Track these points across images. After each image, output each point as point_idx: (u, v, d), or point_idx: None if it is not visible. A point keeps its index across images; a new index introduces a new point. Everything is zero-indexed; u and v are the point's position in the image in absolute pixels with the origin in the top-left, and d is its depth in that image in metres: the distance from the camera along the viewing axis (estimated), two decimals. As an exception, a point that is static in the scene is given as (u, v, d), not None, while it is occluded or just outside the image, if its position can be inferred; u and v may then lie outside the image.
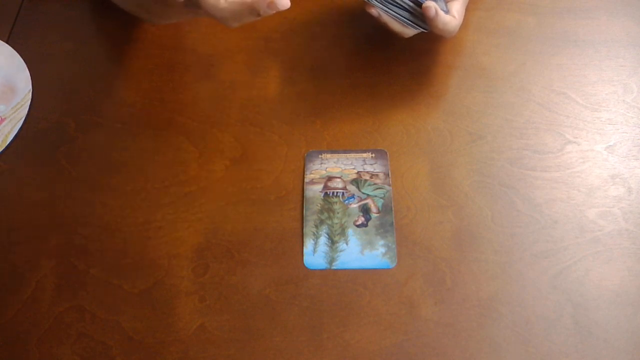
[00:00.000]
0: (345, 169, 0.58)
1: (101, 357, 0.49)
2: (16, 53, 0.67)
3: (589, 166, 0.57)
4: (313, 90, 0.63)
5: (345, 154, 0.59)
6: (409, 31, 0.59)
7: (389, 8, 0.56)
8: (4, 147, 0.60)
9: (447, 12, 0.58)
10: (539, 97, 0.62)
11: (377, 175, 0.57)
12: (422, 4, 0.55)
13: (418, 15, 0.57)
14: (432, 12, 0.54)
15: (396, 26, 0.58)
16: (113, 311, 0.51)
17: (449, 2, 0.59)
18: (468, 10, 0.66)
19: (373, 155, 0.58)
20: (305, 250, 0.53)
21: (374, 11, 0.57)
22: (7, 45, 0.67)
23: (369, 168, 0.58)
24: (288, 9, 0.52)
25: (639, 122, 0.60)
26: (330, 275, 0.52)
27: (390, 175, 0.57)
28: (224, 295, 0.52)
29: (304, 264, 0.53)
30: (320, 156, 0.59)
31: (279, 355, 0.49)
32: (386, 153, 0.59)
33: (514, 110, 0.61)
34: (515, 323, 0.49)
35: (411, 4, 0.56)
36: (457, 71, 0.64)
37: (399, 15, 0.56)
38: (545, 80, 0.63)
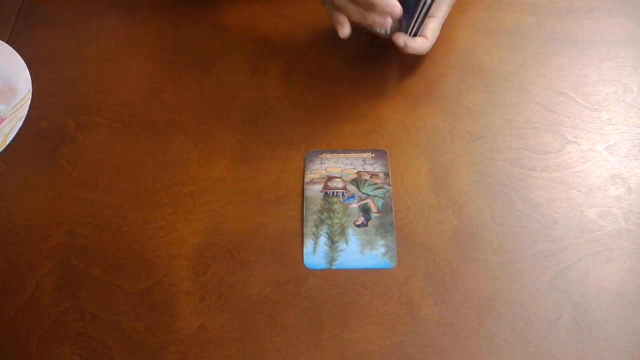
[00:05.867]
0: (345, 169, 0.58)
1: (101, 357, 0.49)
2: (16, 53, 0.67)
3: (589, 166, 0.57)
4: (313, 90, 0.63)
5: (345, 154, 0.59)
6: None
7: None
8: (4, 147, 0.60)
9: (419, 32, 0.59)
10: (539, 97, 0.62)
11: (377, 175, 0.57)
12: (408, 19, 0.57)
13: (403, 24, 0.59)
14: (401, 44, 0.58)
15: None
16: (113, 311, 0.51)
17: (427, 18, 0.59)
18: (468, 10, 0.66)
19: (373, 155, 0.59)
20: (305, 250, 0.53)
21: None
22: (7, 45, 0.67)
23: (369, 168, 0.58)
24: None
25: (639, 122, 0.60)
26: (330, 275, 0.52)
27: (390, 175, 0.57)
28: (224, 295, 0.51)
29: (304, 264, 0.53)
30: (320, 156, 0.59)
31: (279, 355, 0.49)
32: (386, 153, 0.59)
33: (514, 110, 0.61)
34: (515, 323, 0.49)
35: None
36: (457, 71, 0.64)
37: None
38: (545, 80, 0.63)
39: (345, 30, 0.57)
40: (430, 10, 0.59)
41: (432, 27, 0.60)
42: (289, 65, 0.65)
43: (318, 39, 0.67)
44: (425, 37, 0.59)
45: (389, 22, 0.55)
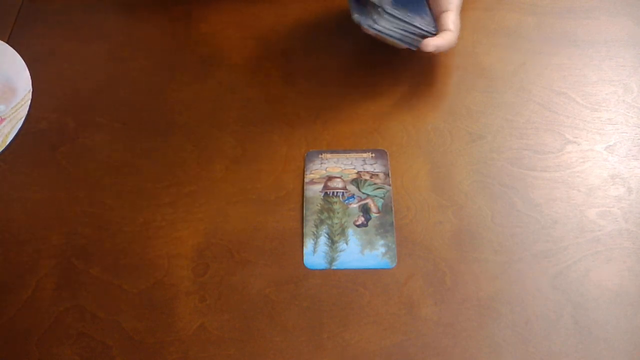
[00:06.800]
0: (345, 169, 0.58)
1: (101, 357, 0.49)
2: (16, 53, 0.67)
3: (589, 166, 0.57)
4: (313, 90, 0.63)
5: (345, 154, 0.59)
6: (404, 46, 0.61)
7: (383, 33, 0.58)
8: (4, 147, 0.60)
9: (435, 29, 0.59)
10: (539, 97, 0.62)
11: (377, 175, 0.57)
12: (414, 32, 0.58)
13: (410, 37, 0.59)
14: (432, 49, 0.57)
15: (390, 41, 0.60)
16: (113, 311, 0.51)
17: (443, 12, 0.59)
18: (468, 10, 0.66)
19: (373, 155, 0.59)
20: (305, 250, 0.53)
21: (370, 32, 0.58)
22: (7, 45, 0.67)
23: (369, 168, 0.58)
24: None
25: (639, 122, 0.60)
26: (330, 275, 0.52)
27: (390, 175, 0.57)
28: (224, 295, 0.51)
29: (304, 264, 0.53)
30: (320, 156, 0.59)
31: (279, 355, 0.49)
32: (386, 153, 0.59)
33: (514, 110, 0.61)
34: (515, 323, 0.49)
35: (404, 32, 0.58)
36: (457, 71, 0.64)
37: (393, 38, 0.58)
38: (545, 80, 0.63)
39: None
40: (443, 5, 0.59)
41: (452, 19, 0.59)
42: (289, 65, 0.65)
43: (318, 39, 0.67)
44: (449, 30, 0.59)
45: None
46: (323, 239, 0.54)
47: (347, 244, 0.53)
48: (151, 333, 0.50)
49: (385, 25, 0.57)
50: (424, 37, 0.58)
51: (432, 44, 0.57)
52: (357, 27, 0.58)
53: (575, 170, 0.57)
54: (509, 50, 0.65)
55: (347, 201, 0.56)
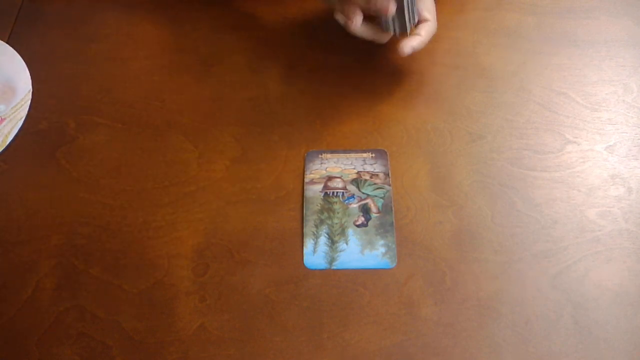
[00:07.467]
0: (345, 169, 0.58)
1: (101, 357, 0.49)
2: (16, 53, 0.67)
3: (589, 166, 0.57)
4: (313, 90, 0.63)
5: (345, 154, 0.59)
6: (384, 37, 0.60)
7: None
8: (4, 147, 0.60)
9: (415, 17, 0.58)
10: (539, 97, 0.62)
11: (377, 175, 0.57)
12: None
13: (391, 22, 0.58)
14: (408, 51, 0.57)
15: (368, 35, 0.59)
16: (113, 311, 0.51)
17: (418, 1, 0.59)
18: (468, 10, 0.66)
19: (373, 155, 0.59)
20: (305, 250, 0.53)
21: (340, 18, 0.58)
22: (7, 45, 0.67)
23: (369, 168, 0.58)
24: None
25: (639, 122, 0.60)
26: (330, 275, 0.52)
27: (390, 175, 0.57)
28: (224, 295, 0.52)
29: (304, 264, 0.53)
30: (320, 156, 0.59)
31: (279, 355, 0.49)
32: (386, 153, 0.59)
33: (514, 110, 0.61)
34: (515, 323, 0.49)
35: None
36: (457, 71, 0.64)
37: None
38: (545, 80, 0.63)
39: (357, 22, 0.56)
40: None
41: (427, 7, 0.59)
42: (289, 65, 0.65)
43: (318, 39, 0.67)
44: (426, 20, 0.58)
45: (392, 7, 0.54)
46: (323, 239, 0.54)
47: (347, 244, 0.53)
48: (151, 333, 0.50)
49: None
50: (403, 21, 0.58)
51: (408, 45, 0.57)
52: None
53: (575, 170, 0.57)
54: (509, 50, 0.65)
55: (347, 201, 0.56)
